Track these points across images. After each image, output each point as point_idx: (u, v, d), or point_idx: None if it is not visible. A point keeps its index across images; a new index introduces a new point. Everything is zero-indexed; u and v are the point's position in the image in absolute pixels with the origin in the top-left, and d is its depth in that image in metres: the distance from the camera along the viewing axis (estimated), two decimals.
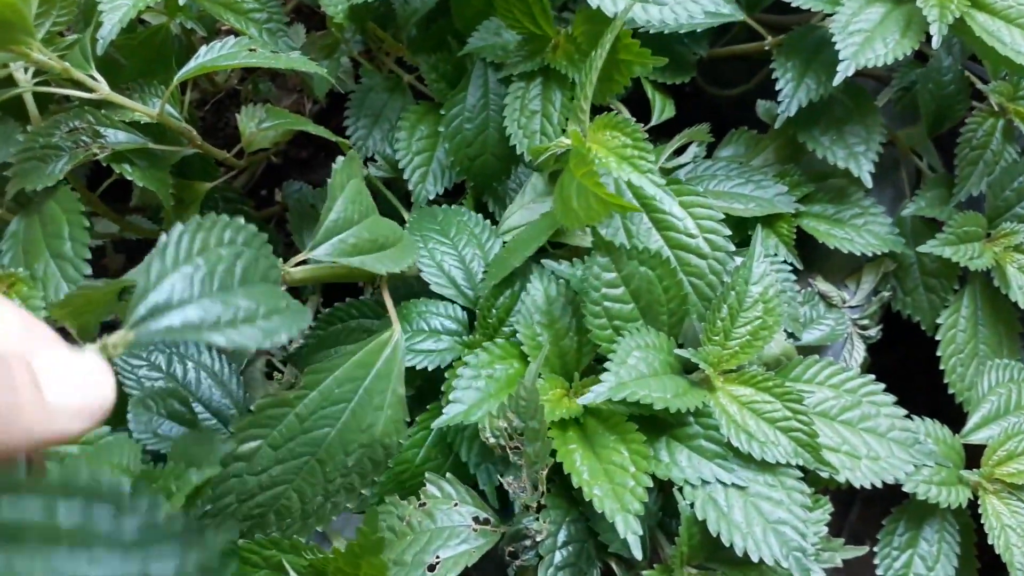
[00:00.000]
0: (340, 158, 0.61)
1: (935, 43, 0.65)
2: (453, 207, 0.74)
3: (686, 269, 0.63)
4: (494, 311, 0.66)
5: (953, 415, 0.78)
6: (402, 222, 0.74)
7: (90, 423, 0.34)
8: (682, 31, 0.72)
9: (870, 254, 0.76)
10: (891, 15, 0.70)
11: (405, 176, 0.78)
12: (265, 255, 0.45)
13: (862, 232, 0.78)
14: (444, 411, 0.61)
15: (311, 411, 0.54)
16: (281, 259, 0.89)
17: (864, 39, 0.69)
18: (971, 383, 0.76)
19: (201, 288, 0.37)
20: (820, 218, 0.79)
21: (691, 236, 0.63)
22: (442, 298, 0.68)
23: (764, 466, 0.59)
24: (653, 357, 0.60)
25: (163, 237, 0.38)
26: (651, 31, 0.71)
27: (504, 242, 0.71)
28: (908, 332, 0.82)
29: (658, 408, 0.57)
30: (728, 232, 0.63)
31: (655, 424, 0.59)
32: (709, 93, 0.93)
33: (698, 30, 0.72)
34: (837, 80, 0.68)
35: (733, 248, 0.63)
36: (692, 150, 0.80)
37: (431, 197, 0.79)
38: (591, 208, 0.55)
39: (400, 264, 0.60)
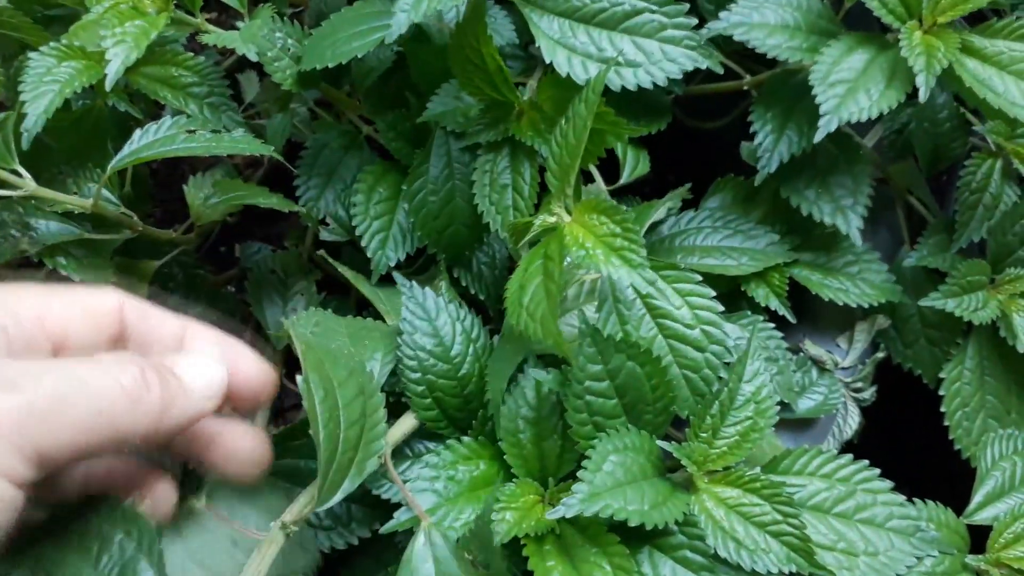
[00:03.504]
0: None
1: (922, 95, 0.60)
2: None
3: (681, 362, 0.58)
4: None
5: (952, 464, 0.74)
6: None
7: (217, 400, 0.48)
8: None
9: (866, 305, 0.72)
10: (875, 63, 0.64)
11: (363, 243, 0.73)
12: None
13: (857, 281, 0.73)
14: (394, 515, 0.57)
15: None
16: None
17: (846, 90, 0.63)
18: (977, 438, 0.71)
19: None
20: (812, 267, 0.74)
21: (688, 327, 0.58)
22: None
23: (754, 574, 0.56)
24: (632, 460, 0.56)
25: None
26: None
27: None
28: (902, 376, 0.77)
29: (634, 523, 0.52)
30: (727, 327, 0.58)
31: (637, 532, 0.55)
32: (687, 124, 0.88)
33: None
34: (818, 137, 0.62)
35: (731, 343, 0.58)
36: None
37: (392, 264, 0.74)
38: (543, 327, 0.51)
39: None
